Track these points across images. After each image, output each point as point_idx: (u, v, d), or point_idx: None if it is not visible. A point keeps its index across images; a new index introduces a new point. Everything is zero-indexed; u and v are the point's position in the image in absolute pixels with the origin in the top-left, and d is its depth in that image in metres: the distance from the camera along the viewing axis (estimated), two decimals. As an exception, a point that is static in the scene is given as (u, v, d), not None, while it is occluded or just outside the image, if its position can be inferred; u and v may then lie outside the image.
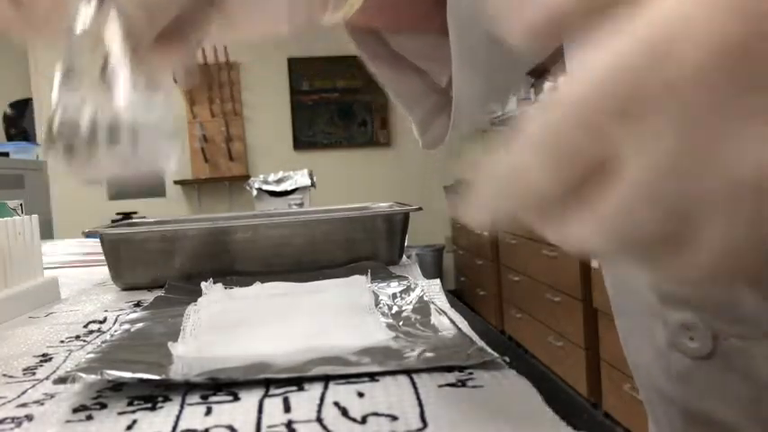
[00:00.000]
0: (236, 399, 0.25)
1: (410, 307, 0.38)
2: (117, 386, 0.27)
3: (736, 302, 0.26)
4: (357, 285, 0.44)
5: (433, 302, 0.39)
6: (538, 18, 0.14)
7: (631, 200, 0.13)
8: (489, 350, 0.28)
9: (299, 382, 0.27)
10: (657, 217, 0.13)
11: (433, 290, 0.45)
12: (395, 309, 0.38)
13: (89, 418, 0.24)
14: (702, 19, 0.12)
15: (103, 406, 0.25)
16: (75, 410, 0.25)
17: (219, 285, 0.45)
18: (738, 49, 0.12)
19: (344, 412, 0.23)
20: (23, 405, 0.26)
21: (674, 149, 0.12)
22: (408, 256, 0.67)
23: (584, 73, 0.13)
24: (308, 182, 2.04)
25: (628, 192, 0.13)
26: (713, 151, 0.12)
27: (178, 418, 0.24)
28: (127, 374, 0.26)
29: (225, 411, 0.24)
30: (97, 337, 0.39)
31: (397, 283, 0.45)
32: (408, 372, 0.27)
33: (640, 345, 0.33)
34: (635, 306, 0.32)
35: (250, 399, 0.25)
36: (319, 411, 0.24)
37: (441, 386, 0.25)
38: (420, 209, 0.63)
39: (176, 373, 0.28)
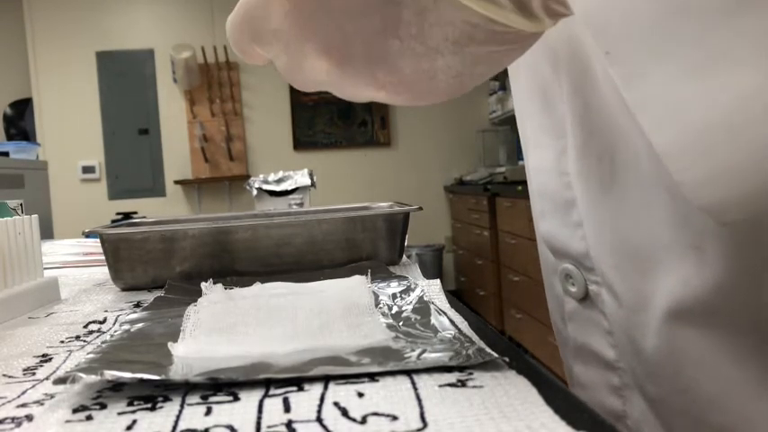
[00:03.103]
0: (236, 399, 0.25)
1: (410, 307, 0.38)
2: (117, 386, 0.27)
3: (583, 256, 0.35)
4: (357, 285, 0.44)
5: (432, 302, 0.39)
6: None
7: (282, 66, 0.25)
8: (489, 350, 0.28)
9: (298, 382, 0.27)
10: (285, 66, 0.25)
11: (432, 290, 0.45)
12: (395, 309, 0.38)
13: (89, 418, 0.24)
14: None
15: (103, 406, 0.25)
16: (75, 410, 0.25)
17: (219, 285, 0.45)
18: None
19: (344, 412, 0.23)
20: (23, 405, 0.26)
21: (285, 60, 0.24)
22: (408, 256, 0.67)
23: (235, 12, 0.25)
24: (308, 182, 2.03)
25: (279, 65, 0.25)
26: (299, 60, 0.24)
27: (178, 418, 0.24)
28: (127, 374, 0.26)
29: (225, 411, 0.24)
30: (97, 337, 0.39)
31: (397, 283, 0.45)
32: (408, 372, 0.27)
33: (550, 300, 0.42)
34: (545, 267, 0.41)
35: (250, 399, 0.25)
36: (319, 411, 0.24)
37: (441, 386, 0.25)
38: (420, 209, 0.63)
39: (176, 373, 0.28)
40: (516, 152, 3.85)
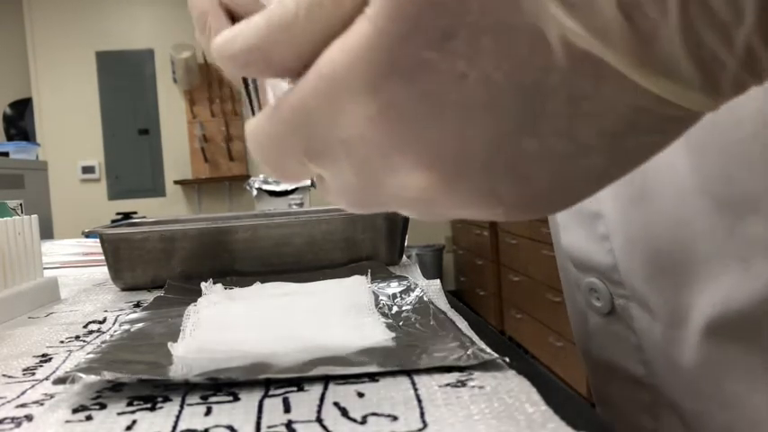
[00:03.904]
0: (236, 399, 0.25)
1: (410, 307, 0.38)
2: (117, 386, 0.27)
3: (610, 269, 0.34)
4: (357, 285, 0.44)
5: (432, 303, 0.39)
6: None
7: (332, 195, 0.20)
8: (489, 350, 0.28)
9: (298, 383, 0.27)
10: (354, 201, 0.19)
11: (432, 290, 0.45)
12: (395, 309, 0.38)
13: (89, 418, 0.24)
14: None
15: (103, 406, 0.25)
16: (75, 411, 0.25)
17: (219, 285, 0.45)
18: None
19: (344, 412, 0.23)
20: (23, 405, 0.26)
21: (351, 177, 0.18)
22: (408, 256, 0.67)
23: (279, 110, 0.18)
24: (308, 181, 2.03)
25: (329, 189, 0.20)
26: (381, 176, 0.17)
27: (178, 418, 0.24)
28: (126, 375, 0.26)
29: (225, 411, 0.24)
30: (97, 337, 0.39)
31: (397, 283, 0.45)
32: (408, 372, 0.27)
33: (572, 315, 0.41)
34: (567, 280, 0.40)
35: (250, 399, 0.25)
36: (319, 411, 0.24)
37: (441, 386, 0.25)
38: (420, 209, 0.63)
39: (176, 373, 0.28)
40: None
